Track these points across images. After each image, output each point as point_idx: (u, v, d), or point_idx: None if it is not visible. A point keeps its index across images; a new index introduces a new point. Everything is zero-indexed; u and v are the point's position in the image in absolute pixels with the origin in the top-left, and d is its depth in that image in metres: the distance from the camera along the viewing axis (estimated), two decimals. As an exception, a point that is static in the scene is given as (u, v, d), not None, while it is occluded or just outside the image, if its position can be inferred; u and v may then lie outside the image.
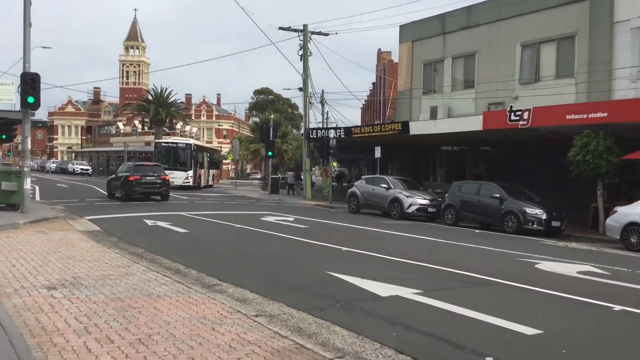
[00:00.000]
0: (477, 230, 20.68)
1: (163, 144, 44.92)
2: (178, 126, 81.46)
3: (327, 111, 50.28)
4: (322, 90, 79.63)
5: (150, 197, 28.07)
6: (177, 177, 40.70)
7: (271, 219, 20.52)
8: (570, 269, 11.65)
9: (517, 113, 21.78)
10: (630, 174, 21.57)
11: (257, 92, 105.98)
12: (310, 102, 38.97)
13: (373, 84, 68.17)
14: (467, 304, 7.82)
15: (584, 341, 6.51)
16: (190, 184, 42.33)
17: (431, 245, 15.25)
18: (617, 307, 8.09)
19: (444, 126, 26.05)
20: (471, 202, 21.82)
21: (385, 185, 25.17)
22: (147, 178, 27.92)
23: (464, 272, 10.57)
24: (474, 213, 21.82)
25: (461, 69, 30.44)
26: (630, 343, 6.56)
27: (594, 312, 7.96)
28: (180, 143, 44.93)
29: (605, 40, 23.58)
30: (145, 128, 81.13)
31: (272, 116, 52.18)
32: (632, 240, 16.42)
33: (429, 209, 23.77)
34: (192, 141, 47.05)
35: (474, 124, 24.08)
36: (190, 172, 42.55)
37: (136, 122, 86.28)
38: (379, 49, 66.38)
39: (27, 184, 18.21)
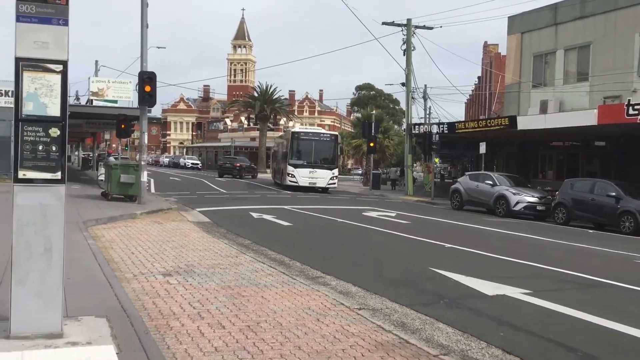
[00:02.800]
0: (591, 231, 19.67)
1: (302, 135, 34.11)
2: (282, 122, 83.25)
3: (430, 106, 49.59)
4: (425, 85, 78.41)
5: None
6: (321, 176, 33.02)
7: (373, 214, 20.54)
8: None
9: (636, 107, 20.47)
10: None
11: (359, 88, 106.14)
12: (412, 98, 38.62)
13: (478, 77, 66.46)
14: (579, 305, 7.49)
15: None
16: (335, 185, 34.17)
17: (540, 244, 14.68)
18: None
19: (554, 121, 24.93)
20: (584, 201, 20.77)
21: (490, 182, 24.46)
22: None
23: (576, 272, 10.11)
24: (587, 212, 20.76)
25: (574, 61, 29.02)
26: None
27: None
28: (324, 134, 35.58)
29: None
30: (251, 124, 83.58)
31: (373, 112, 52.10)
32: None
33: (538, 207, 22.86)
34: (334, 132, 38.51)
35: (588, 118, 22.86)
36: (336, 171, 34.03)
37: (242, 119, 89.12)
38: (485, 42, 64.60)
39: (144, 177, 19.30)
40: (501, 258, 11.58)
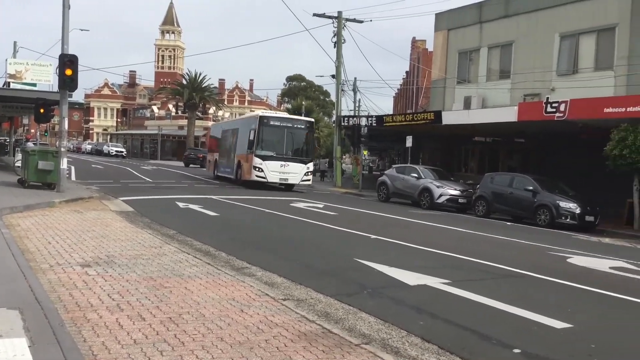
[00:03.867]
0: (509, 223, 20.47)
1: (272, 121, 28.01)
2: (211, 111, 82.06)
3: (359, 99, 50.00)
4: (355, 78, 79.18)
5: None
6: (293, 171, 27.44)
7: (301, 205, 20.60)
8: (603, 264, 11.48)
9: (554, 105, 21.42)
10: None
11: (290, 79, 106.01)
12: (342, 90, 38.85)
13: (406, 72, 67.66)
14: (495, 295, 7.78)
15: (614, 336, 6.43)
16: (310, 182, 28.85)
17: (461, 236, 15.15)
18: (651, 304, 7.96)
19: (477, 116, 25.76)
20: (503, 194, 21.59)
21: (415, 175, 25.03)
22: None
23: (494, 263, 10.49)
24: (506, 205, 21.59)
25: (497, 59, 30.01)
26: (662, 340, 6.46)
27: (625, 308, 7.86)
28: (298, 120, 29.77)
29: (647, 32, 22.96)
30: (179, 112, 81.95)
31: (304, 103, 52.18)
32: (668, 237, 16.08)
33: (460, 200, 23.59)
34: (310, 119, 31.33)
35: (509, 115, 23.77)
36: (311, 165, 28.62)
37: (170, 106, 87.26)
38: (414, 37, 65.79)
39: (64, 164, 18.58)
40: (424, 249, 11.87)
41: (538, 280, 9.36)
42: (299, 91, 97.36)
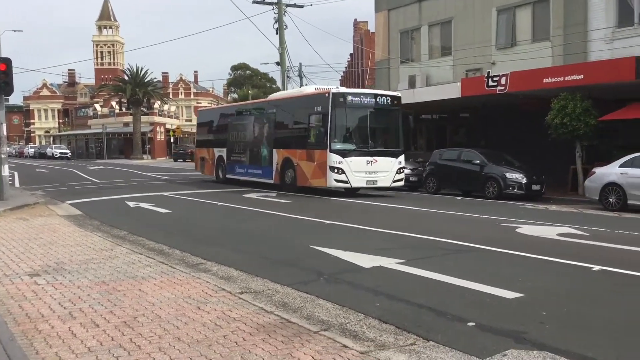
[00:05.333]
0: (459, 198, 20.86)
1: (351, 99, 19.70)
2: (156, 105, 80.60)
3: (306, 84, 49.79)
4: (300, 64, 78.98)
5: None
6: (383, 169, 19.84)
7: (253, 195, 20.51)
8: (551, 231, 11.83)
9: (495, 79, 21.85)
10: (608, 135, 21.77)
11: (235, 68, 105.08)
12: (288, 76, 38.64)
13: (351, 54, 67.84)
14: (449, 271, 7.93)
15: (564, 302, 6.64)
16: (402, 182, 20.84)
17: (413, 215, 15.36)
18: (596, 267, 8.26)
19: (422, 95, 26.08)
20: (452, 170, 21.96)
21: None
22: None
23: (446, 239, 10.69)
24: (455, 180, 21.98)
25: (438, 36, 30.35)
26: (609, 302, 6.71)
27: (573, 273, 8.12)
28: (383, 97, 20.50)
29: (579, 2, 23.58)
30: (123, 109, 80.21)
31: (250, 91, 51.80)
32: (611, 200, 16.68)
33: (411, 178, 23.86)
34: (397, 93, 21.69)
35: (453, 91, 24.14)
36: (402, 159, 20.59)
37: (113, 104, 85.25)
38: (355, 19, 65.96)
39: (5, 170, 17.97)
40: (377, 230, 12.00)
41: (489, 253, 9.59)
42: (244, 80, 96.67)
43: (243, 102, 35.26)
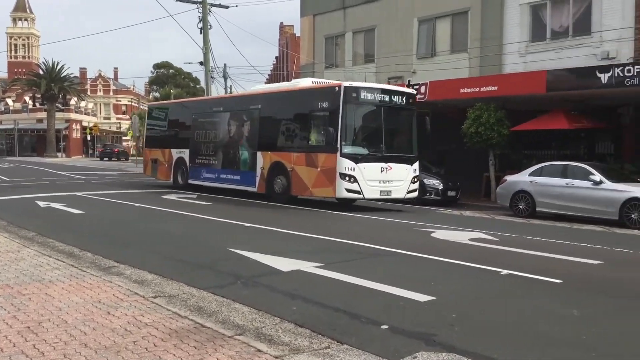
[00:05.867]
0: (379, 202, 21.19)
1: (364, 95, 16.87)
2: (72, 102, 77.65)
3: (231, 85, 49.37)
4: (225, 64, 78.30)
5: None
6: (398, 177, 17.21)
7: (173, 196, 20.11)
8: (463, 236, 12.24)
9: (415, 87, 22.39)
10: (520, 144, 22.78)
11: (157, 66, 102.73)
12: (212, 77, 38.21)
13: (276, 57, 67.77)
14: (365, 274, 8.05)
15: (473, 304, 6.88)
16: (417, 192, 18.19)
17: (332, 219, 15.50)
18: (504, 271, 8.59)
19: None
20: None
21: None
22: None
23: (364, 243, 10.84)
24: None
25: (362, 44, 30.88)
26: (514, 304, 7.00)
27: (483, 277, 8.43)
28: (398, 94, 17.74)
29: (496, 16, 24.60)
30: (37, 104, 76.80)
31: (172, 91, 50.82)
32: (520, 207, 17.46)
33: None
34: (412, 90, 19.25)
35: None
36: (417, 166, 17.98)
37: (27, 99, 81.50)
38: (282, 23, 66.00)
39: None
40: (298, 234, 12.03)
41: (405, 257, 9.80)
42: (167, 79, 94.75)
43: (215, 96, 31.44)
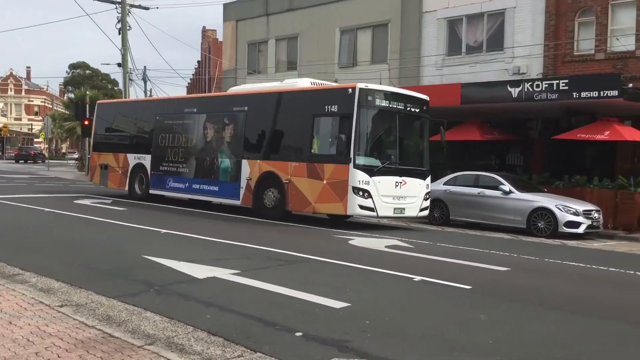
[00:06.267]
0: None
1: (379, 100, 15.20)
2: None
3: (151, 89, 48.24)
4: (145, 67, 76.25)
5: None
6: (411, 193, 15.61)
7: (86, 201, 19.41)
8: (380, 243, 12.47)
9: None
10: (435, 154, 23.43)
11: (73, 67, 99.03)
12: (130, 79, 37.32)
13: (198, 62, 66.98)
14: (282, 281, 8.04)
15: (387, 310, 7.00)
16: (428, 210, 16.59)
17: (252, 226, 15.42)
18: (418, 278, 8.81)
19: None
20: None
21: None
22: None
23: (282, 250, 10.84)
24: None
25: (284, 51, 31.02)
26: (426, 310, 7.19)
27: (397, 283, 8.61)
28: (413, 101, 16.06)
29: (414, 29, 25.32)
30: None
31: (88, 92, 49.16)
32: (435, 215, 17.99)
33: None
34: (425, 96, 16.67)
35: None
36: (429, 180, 16.39)
37: None
38: (204, 27, 65.31)
39: None
40: (216, 241, 11.88)
41: (322, 264, 9.88)
42: (83, 80, 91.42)
43: (188, 96, 28.14)
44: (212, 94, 25.44)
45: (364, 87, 14.96)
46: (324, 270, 9.39)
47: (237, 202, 17.52)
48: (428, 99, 16.57)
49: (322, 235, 13.83)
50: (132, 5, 34.90)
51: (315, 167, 15.35)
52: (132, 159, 21.28)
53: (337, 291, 7.65)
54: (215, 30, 59.81)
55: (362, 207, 14.71)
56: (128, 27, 34.71)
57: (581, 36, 21.65)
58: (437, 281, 8.66)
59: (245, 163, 17.20)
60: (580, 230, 15.88)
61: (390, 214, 15.45)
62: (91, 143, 24.94)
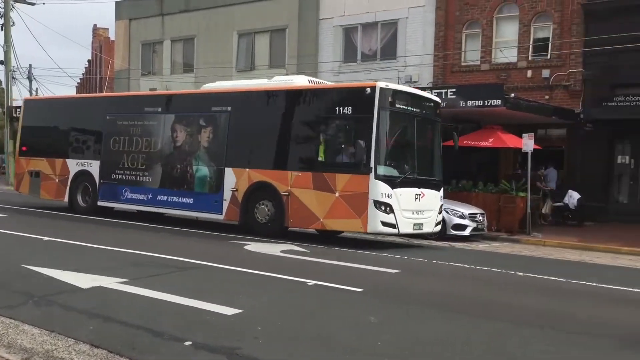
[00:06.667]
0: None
1: (399, 101, 13.57)
2: None
3: (37, 88, 45.49)
4: (30, 65, 72.31)
5: None
6: (429, 206, 14.05)
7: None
8: (275, 248, 12.45)
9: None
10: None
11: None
12: (14, 77, 35.12)
13: (89, 61, 64.23)
14: (173, 289, 7.82)
15: (279, 316, 6.99)
16: (440, 226, 14.97)
17: (144, 231, 14.95)
18: (311, 282, 8.87)
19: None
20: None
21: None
22: None
23: (175, 257, 10.57)
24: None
25: (180, 52, 30.50)
26: (318, 314, 7.25)
27: (291, 288, 8.62)
28: (427, 102, 14.60)
29: (311, 36, 25.65)
30: None
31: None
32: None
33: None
34: (436, 98, 15.63)
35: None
36: (442, 192, 14.79)
37: None
38: (95, 25, 62.72)
39: None
40: (103, 248, 11.39)
41: (216, 270, 9.73)
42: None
43: (150, 93, 24.35)
44: (184, 91, 21.52)
45: (384, 86, 13.23)
46: (217, 277, 9.25)
47: (219, 217, 15.26)
48: (439, 100, 15.32)
49: (217, 241, 13.63)
50: (16, 0, 32.97)
51: (324, 177, 13.42)
52: (74, 165, 18.26)
53: (230, 298, 7.55)
54: (107, 29, 57.59)
55: (384, 223, 12.96)
56: (11, 23, 32.77)
57: (468, 47, 22.78)
58: (331, 285, 8.75)
59: (229, 172, 14.92)
60: (467, 232, 16.60)
61: (410, 230, 13.74)
62: (16, 147, 21.20)
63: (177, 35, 30.07)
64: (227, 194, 14.86)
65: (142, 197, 16.64)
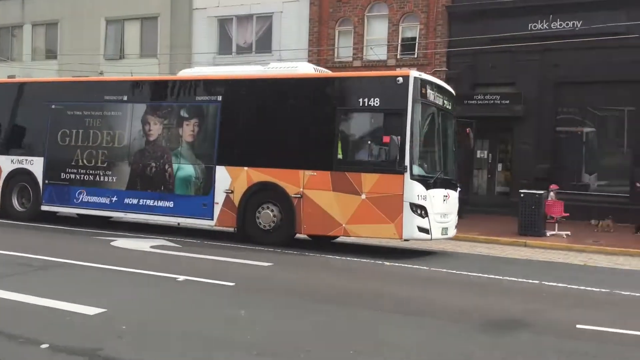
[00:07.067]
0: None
1: (431, 94, 12.29)
2: None
3: None
4: None
5: None
6: (452, 209, 12.99)
7: None
8: (145, 244, 12.08)
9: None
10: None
11: None
12: None
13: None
14: (30, 289, 7.39)
15: (147, 313, 6.81)
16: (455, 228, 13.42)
17: (7, 229, 13.96)
18: (181, 277, 8.70)
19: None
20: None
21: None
22: None
23: (35, 255, 9.96)
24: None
25: (42, 38, 28.64)
26: (188, 310, 7.13)
27: (159, 285, 8.42)
28: (449, 96, 13.37)
29: (185, 25, 25.10)
30: None
31: None
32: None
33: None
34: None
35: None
36: (458, 192, 13.54)
37: None
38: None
39: None
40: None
41: (79, 268, 9.28)
42: None
43: (109, 79, 19.33)
44: (158, 77, 18.53)
45: (418, 76, 11.88)
46: (80, 275, 8.84)
47: (210, 223, 13.28)
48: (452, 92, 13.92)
49: (82, 237, 12.99)
50: None
51: (346, 177, 11.93)
52: (7, 162, 15.44)
53: (93, 297, 7.23)
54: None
55: (420, 229, 11.65)
56: None
57: (341, 44, 23.31)
58: (202, 280, 8.64)
59: (222, 171, 13.02)
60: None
61: (439, 235, 12.39)
62: None
63: (39, 19, 28.18)
64: (219, 197, 13.01)
65: (104, 200, 14.29)
